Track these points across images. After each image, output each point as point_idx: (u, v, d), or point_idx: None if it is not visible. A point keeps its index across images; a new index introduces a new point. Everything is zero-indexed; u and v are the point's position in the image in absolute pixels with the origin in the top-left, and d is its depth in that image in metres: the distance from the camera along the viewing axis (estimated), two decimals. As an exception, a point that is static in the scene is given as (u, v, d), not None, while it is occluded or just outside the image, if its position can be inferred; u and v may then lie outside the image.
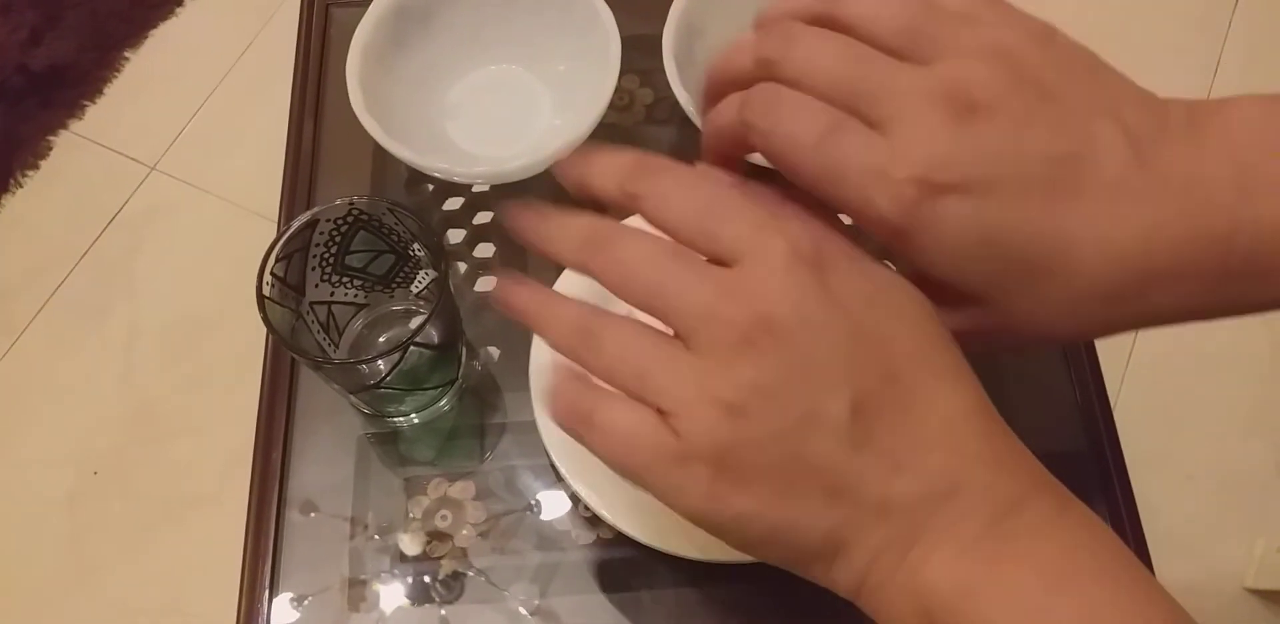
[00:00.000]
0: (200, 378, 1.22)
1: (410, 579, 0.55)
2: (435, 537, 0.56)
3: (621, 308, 0.37)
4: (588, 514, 0.56)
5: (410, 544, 0.56)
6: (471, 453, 0.59)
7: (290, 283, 0.52)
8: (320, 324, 0.55)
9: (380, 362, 0.49)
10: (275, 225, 1.22)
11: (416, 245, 0.53)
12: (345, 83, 0.59)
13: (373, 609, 0.55)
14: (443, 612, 0.55)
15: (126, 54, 1.42)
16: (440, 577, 0.55)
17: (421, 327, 0.48)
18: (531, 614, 0.55)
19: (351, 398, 0.55)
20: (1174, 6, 1.48)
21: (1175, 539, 1.14)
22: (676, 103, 0.62)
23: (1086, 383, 0.61)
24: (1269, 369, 1.25)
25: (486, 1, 0.64)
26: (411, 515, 0.57)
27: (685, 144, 0.67)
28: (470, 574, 0.55)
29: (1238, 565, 1.13)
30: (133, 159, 1.35)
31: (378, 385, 0.51)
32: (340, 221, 0.52)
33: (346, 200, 0.51)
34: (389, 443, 0.59)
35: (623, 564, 0.56)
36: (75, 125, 1.38)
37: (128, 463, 1.17)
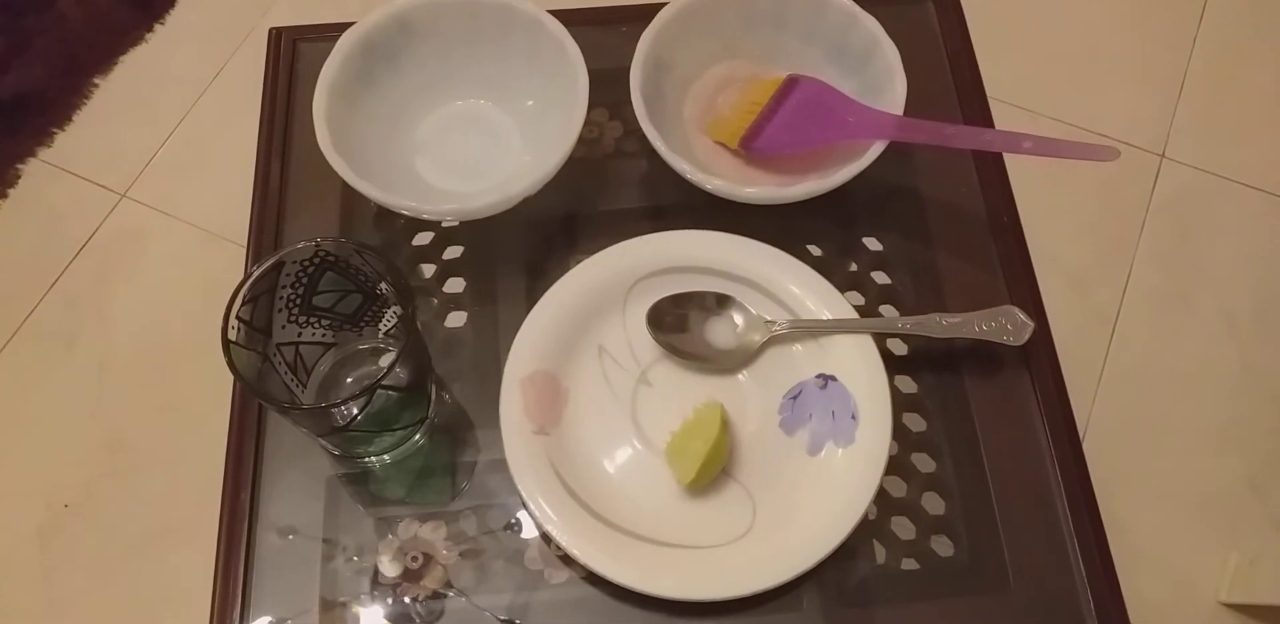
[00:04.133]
0: (172, 407, 1.21)
1: (387, 605, 0.55)
2: (406, 576, 0.56)
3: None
4: (560, 553, 0.56)
5: (389, 566, 0.56)
6: (443, 491, 0.59)
7: (256, 325, 0.52)
8: (288, 365, 0.55)
9: (349, 405, 0.49)
10: (245, 252, 1.21)
11: (384, 284, 0.53)
12: (311, 120, 0.59)
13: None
14: None
15: (96, 81, 1.41)
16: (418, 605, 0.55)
17: (390, 369, 0.48)
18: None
19: (320, 440, 0.55)
20: (1139, 22, 1.50)
21: (1149, 554, 1.14)
22: (644, 136, 0.62)
23: (1053, 402, 0.61)
24: (1239, 386, 1.26)
25: (454, 38, 0.64)
26: (381, 555, 0.56)
27: (654, 176, 0.68)
28: (449, 595, 0.55)
29: (1212, 580, 1.13)
30: (102, 186, 1.34)
31: (346, 428, 0.51)
32: (307, 263, 0.52)
33: (312, 242, 0.51)
34: (359, 483, 0.59)
35: (595, 602, 0.56)
36: (44, 153, 1.36)
37: (99, 495, 1.16)
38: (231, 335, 0.49)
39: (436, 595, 0.56)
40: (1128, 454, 1.21)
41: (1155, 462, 1.22)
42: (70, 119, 1.40)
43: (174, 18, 1.48)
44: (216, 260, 1.29)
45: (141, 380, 1.23)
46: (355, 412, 0.49)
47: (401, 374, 0.51)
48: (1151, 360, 1.28)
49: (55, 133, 1.38)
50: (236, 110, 1.40)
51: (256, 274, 0.50)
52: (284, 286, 0.52)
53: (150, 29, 1.47)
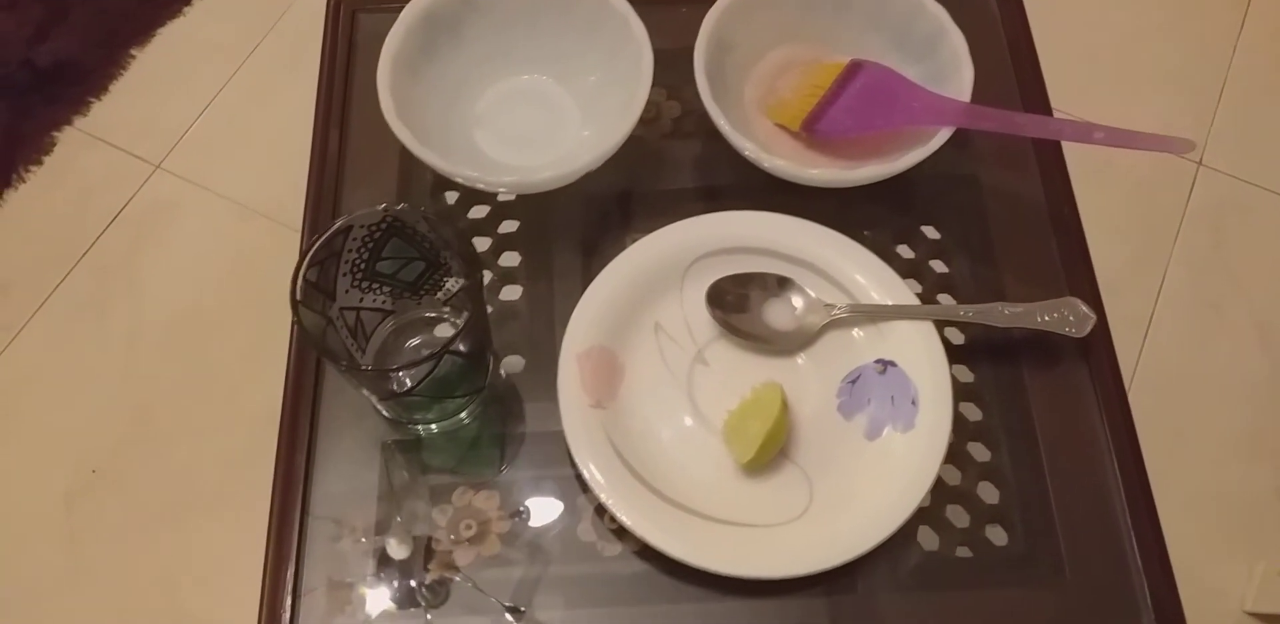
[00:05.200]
0: (200, 378, 1.21)
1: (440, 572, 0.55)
2: (459, 544, 0.56)
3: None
4: (614, 526, 0.56)
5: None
6: (493, 462, 0.59)
7: (322, 288, 0.51)
8: (349, 329, 0.55)
9: (414, 369, 0.48)
10: (277, 226, 1.22)
11: (447, 253, 0.53)
12: (371, 89, 0.59)
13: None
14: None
15: (133, 52, 1.41)
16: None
17: (458, 334, 0.48)
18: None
19: (378, 404, 0.55)
20: (1176, 35, 1.49)
21: (1175, 562, 1.13)
22: (703, 116, 0.62)
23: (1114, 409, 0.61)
24: (1267, 393, 1.25)
25: (516, 12, 0.64)
26: (436, 523, 0.56)
27: (711, 157, 0.68)
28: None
29: (1238, 589, 1.13)
30: (137, 157, 1.34)
31: (409, 392, 0.51)
32: (374, 228, 0.52)
33: (380, 207, 0.50)
34: (414, 451, 0.59)
35: (647, 577, 0.55)
36: (80, 122, 1.37)
37: (126, 462, 1.16)
38: (299, 296, 0.49)
39: (489, 564, 0.55)
40: (1155, 461, 1.20)
41: (1183, 469, 1.21)
42: (107, 89, 1.40)
43: (213, -9, 1.48)
44: (248, 234, 1.29)
45: (171, 350, 1.23)
46: (420, 376, 0.49)
47: (466, 341, 0.50)
48: (1182, 367, 1.28)
49: (91, 102, 1.39)
50: (273, 84, 1.40)
51: (326, 236, 0.50)
52: (350, 251, 0.52)
53: (188, 1, 1.47)
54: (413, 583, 0.55)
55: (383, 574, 0.55)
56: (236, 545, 1.11)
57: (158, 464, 1.16)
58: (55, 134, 1.36)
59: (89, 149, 1.35)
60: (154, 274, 1.28)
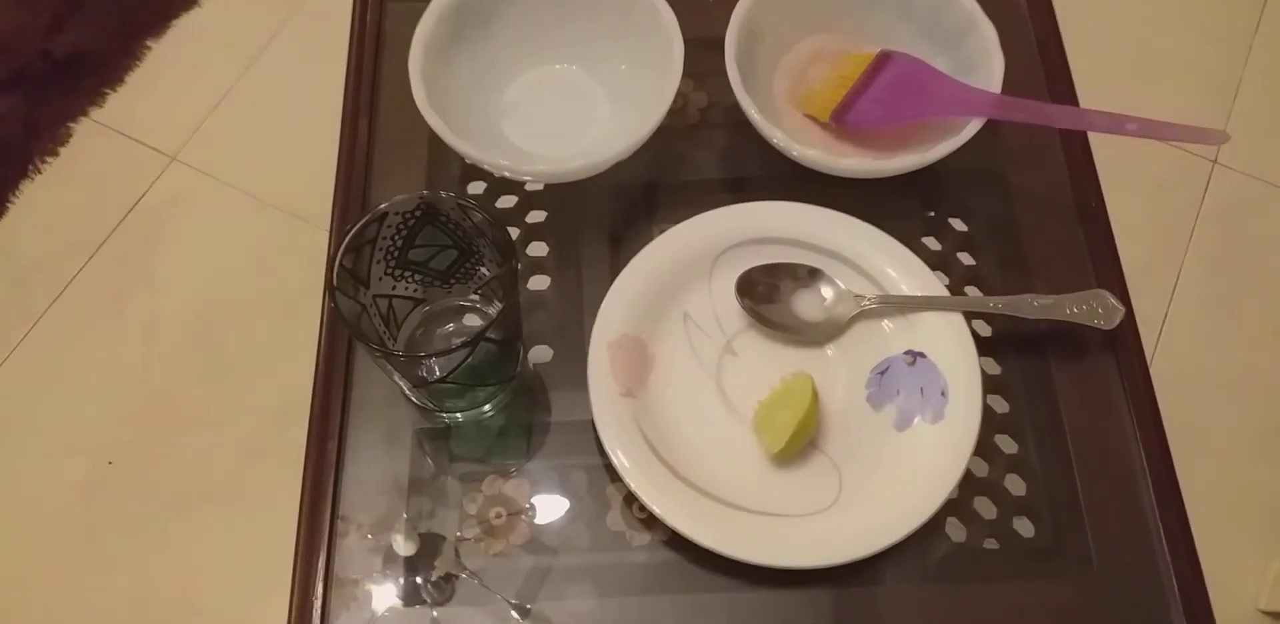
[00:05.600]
0: (217, 370, 1.21)
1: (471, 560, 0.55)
2: (489, 532, 0.56)
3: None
4: (643, 515, 0.56)
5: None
6: (521, 451, 0.59)
7: (357, 275, 0.52)
8: (381, 317, 0.55)
9: (448, 356, 0.48)
10: (293, 218, 1.21)
11: (480, 241, 0.53)
12: (399, 78, 0.59)
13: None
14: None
15: (149, 43, 1.41)
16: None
17: (494, 321, 0.48)
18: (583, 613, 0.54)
19: (409, 392, 0.55)
20: (1195, 25, 1.49)
21: (1189, 557, 1.14)
22: (729, 107, 0.62)
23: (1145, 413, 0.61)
24: (1282, 391, 1.25)
25: (545, 1, 0.64)
26: (466, 511, 0.56)
27: (738, 147, 0.68)
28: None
29: (1252, 587, 1.13)
30: (153, 148, 1.34)
31: (443, 379, 0.51)
32: (409, 216, 0.52)
33: (417, 195, 0.51)
34: (443, 439, 0.59)
35: (675, 566, 0.55)
36: (96, 113, 1.37)
37: (143, 453, 1.16)
38: (335, 282, 0.49)
39: (519, 553, 0.55)
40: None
41: (1196, 467, 1.21)
42: (123, 80, 1.40)
43: (229, -17, 1.48)
44: (264, 226, 1.29)
45: (187, 342, 1.23)
46: (456, 363, 0.49)
47: (500, 329, 0.50)
48: (1196, 365, 1.28)
49: (107, 93, 1.39)
50: (289, 76, 1.40)
51: (362, 222, 0.50)
52: (384, 238, 0.52)
53: (205, -7, 1.46)
54: (438, 575, 0.55)
55: (411, 565, 0.55)
56: (253, 537, 1.12)
57: (174, 455, 1.16)
58: (71, 125, 1.36)
59: (105, 140, 1.35)
60: (170, 266, 1.28)
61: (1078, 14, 1.47)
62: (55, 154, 1.34)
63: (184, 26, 1.44)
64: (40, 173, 1.33)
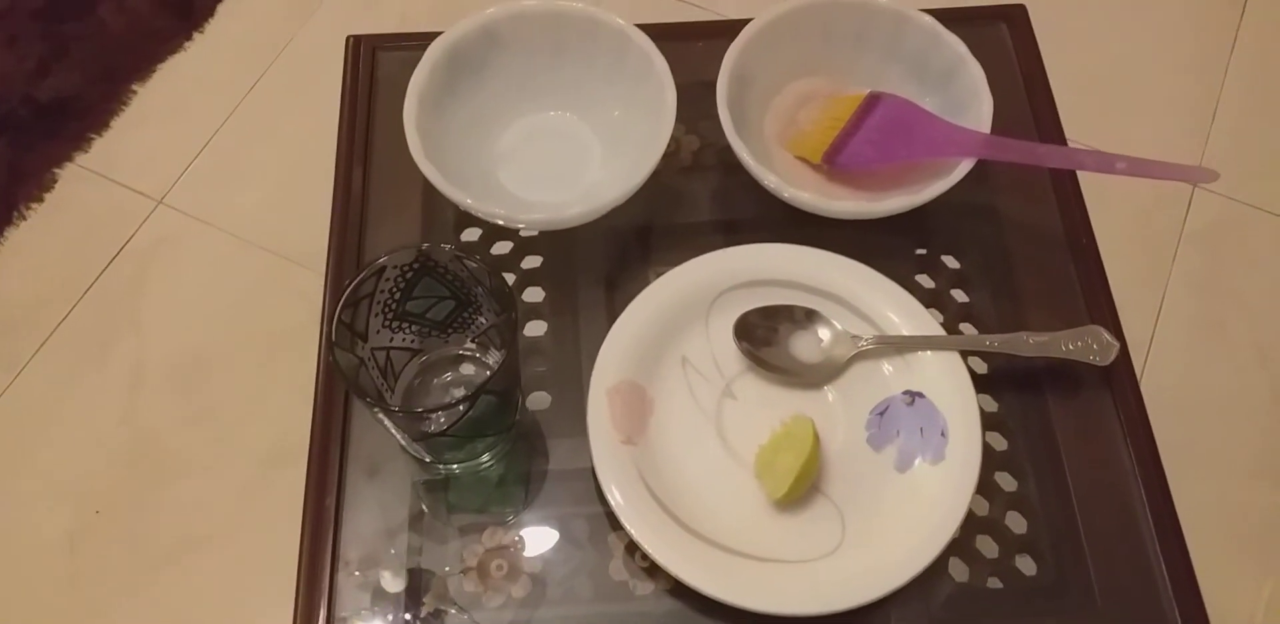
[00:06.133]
0: (204, 415, 1.20)
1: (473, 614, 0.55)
2: (490, 585, 0.55)
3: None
4: (645, 564, 0.56)
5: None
6: (520, 500, 0.59)
7: (355, 329, 0.51)
8: (379, 369, 0.55)
9: (451, 409, 0.48)
10: (281, 260, 1.21)
11: (478, 290, 0.53)
12: (391, 127, 0.60)
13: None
14: None
15: (134, 87, 1.41)
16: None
17: (494, 374, 0.48)
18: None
19: (412, 446, 0.54)
20: (1170, 53, 1.51)
21: (1186, 583, 1.14)
22: (721, 149, 0.62)
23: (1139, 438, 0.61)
24: (1272, 415, 1.26)
25: (539, 49, 0.65)
26: (467, 564, 0.56)
27: (728, 189, 0.68)
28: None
29: (1247, 609, 1.13)
30: (139, 192, 1.34)
31: (444, 433, 0.51)
32: (406, 268, 0.52)
33: (415, 247, 0.51)
34: (442, 490, 0.59)
35: (680, 615, 0.55)
36: (81, 158, 1.36)
37: (130, 502, 1.15)
38: (333, 337, 0.49)
39: (522, 605, 0.55)
40: (1162, 481, 1.21)
41: (1188, 490, 1.20)
42: (108, 125, 1.40)
43: (213, 26, 1.49)
44: (252, 269, 1.29)
45: (174, 388, 1.22)
46: (457, 416, 0.49)
47: (500, 380, 0.50)
48: (1184, 388, 1.28)
49: (93, 138, 1.38)
50: (274, 119, 1.40)
51: (361, 277, 0.50)
52: (382, 291, 0.52)
53: (189, 37, 1.47)
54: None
55: (423, 613, 0.55)
56: (245, 585, 1.11)
57: (162, 503, 1.15)
58: (56, 170, 1.35)
59: (90, 185, 1.35)
60: (157, 310, 1.27)
61: (1055, 45, 1.49)
62: (40, 200, 1.33)
63: (169, 70, 1.44)
64: (25, 219, 1.32)
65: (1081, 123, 1.44)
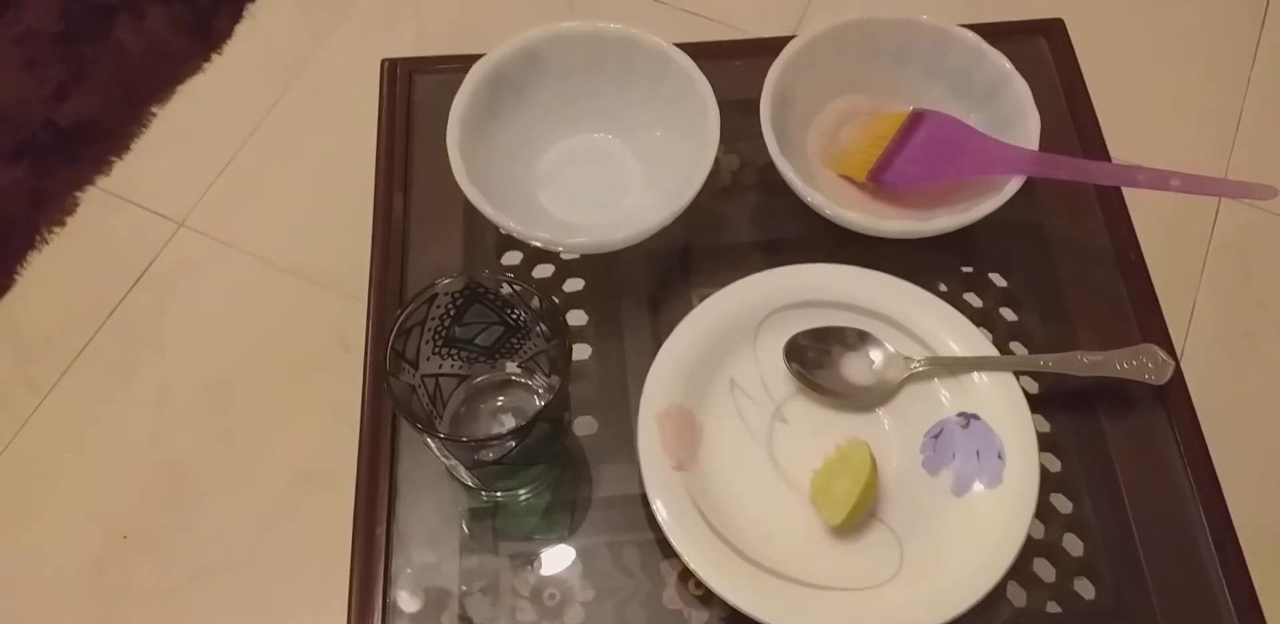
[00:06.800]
0: (230, 438, 1.19)
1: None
2: (544, 615, 0.55)
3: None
4: (699, 592, 0.55)
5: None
6: (575, 527, 0.58)
7: (406, 356, 0.51)
8: (429, 396, 0.54)
9: (507, 438, 0.48)
10: (303, 282, 1.21)
11: (527, 316, 0.53)
12: (429, 150, 0.59)
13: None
14: None
15: (154, 109, 1.41)
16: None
17: (551, 402, 0.47)
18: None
19: (465, 474, 0.54)
20: (1191, 63, 1.50)
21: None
22: (762, 167, 0.62)
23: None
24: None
25: (579, 70, 0.64)
26: (520, 594, 0.55)
27: (770, 209, 0.67)
28: None
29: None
30: (160, 215, 1.34)
31: (498, 460, 0.50)
32: (457, 295, 0.51)
33: (466, 275, 0.50)
34: (492, 518, 0.58)
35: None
36: (102, 181, 1.36)
37: (157, 526, 1.14)
38: (389, 366, 0.48)
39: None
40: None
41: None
42: (128, 147, 1.40)
43: (231, 48, 1.49)
44: (275, 290, 1.28)
45: (199, 411, 1.22)
46: (513, 444, 0.48)
47: (555, 407, 0.50)
48: (1215, 398, 1.27)
49: (113, 161, 1.38)
50: (295, 140, 1.40)
51: (414, 305, 0.49)
52: (433, 319, 0.51)
53: (208, 59, 1.47)
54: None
55: None
56: (275, 608, 1.10)
57: (190, 527, 1.14)
58: (78, 194, 1.35)
59: (112, 208, 1.35)
60: (181, 333, 1.27)
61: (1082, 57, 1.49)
62: (62, 224, 1.33)
63: (188, 92, 1.44)
64: (47, 243, 1.32)
65: (1109, 132, 1.44)
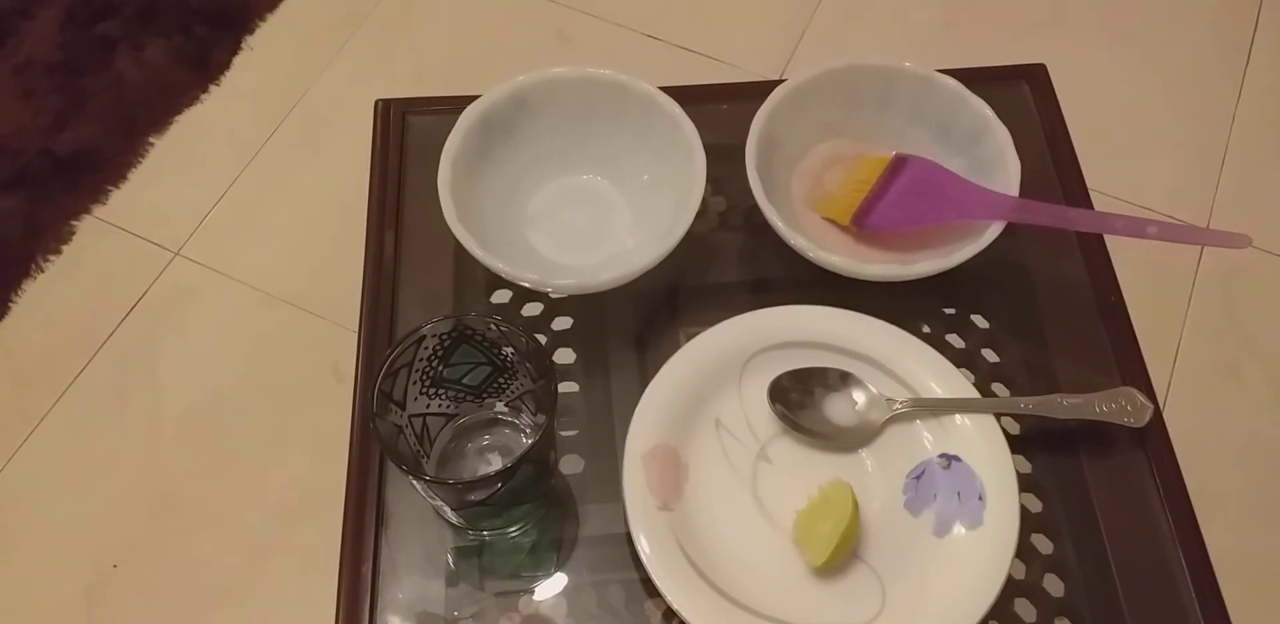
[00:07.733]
0: (222, 467, 1.19)
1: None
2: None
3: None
4: (684, 632, 0.56)
5: None
6: (560, 566, 0.58)
7: (393, 398, 0.52)
8: (416, 436, 0.55)
9: (493, 479, 0.48)
10: (297, 311, 1.21)
11: (514, 355, 0.53)
12: (420, 190, 0.60)
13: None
14: None
15: (151, 139, 1.43)
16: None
17: (537, 441, 0.48)
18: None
19: (451, 514, 0.54)
20: (1177, 101, 1.52)
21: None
22: (748, 209, 0.63)
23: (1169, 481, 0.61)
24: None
25: (569, 115, 0.65)
26: (505, 634, 0.55)
27: (756, 250, 0.68)
28: None
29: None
30: (156, 244, 1.35)
31: (484, 501, 0.51)
32: (445, 337, 0.52)
33: (454, 317, 0.51)
34: (478, 557, 0.58)
35: (721, 684, 0.54)
36: (99, 210, 1.37)
37: (148, 556, 1.14)
38: (375, 407, 0.49)
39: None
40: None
41: (1206, 536, 1.21)
42: (125, 177, 1.41)
43: (229, 79, 1.50)
44: (269, 320, 1.29)
45: (191, 441, 1.22)
46: (498, 484, 0.49)
47: (541, 447, 0.50)
48: (1201, 433, 1.28)
49: (110, 190, 1.39)
50: (291, 170, 1.41)
51: (402, 347, 0.50)
52: (420, 360, 0.52)
53: (205, 90, 1.48)
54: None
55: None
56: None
57: (180, 556, 1.15)
58: (74, 222, 1.36)
59: (108, 237, 1.36)
60: (174, 362, 1.27)
61: (1059, 92, 1.51)
62: (58, 252, 1.34)
63: (185, 123, 1.45)
64: (42, 271, 1.33)
65: (1088, 168, 1.45)
